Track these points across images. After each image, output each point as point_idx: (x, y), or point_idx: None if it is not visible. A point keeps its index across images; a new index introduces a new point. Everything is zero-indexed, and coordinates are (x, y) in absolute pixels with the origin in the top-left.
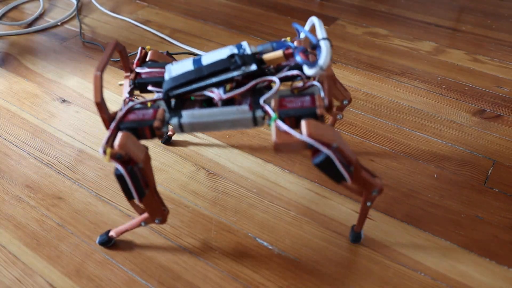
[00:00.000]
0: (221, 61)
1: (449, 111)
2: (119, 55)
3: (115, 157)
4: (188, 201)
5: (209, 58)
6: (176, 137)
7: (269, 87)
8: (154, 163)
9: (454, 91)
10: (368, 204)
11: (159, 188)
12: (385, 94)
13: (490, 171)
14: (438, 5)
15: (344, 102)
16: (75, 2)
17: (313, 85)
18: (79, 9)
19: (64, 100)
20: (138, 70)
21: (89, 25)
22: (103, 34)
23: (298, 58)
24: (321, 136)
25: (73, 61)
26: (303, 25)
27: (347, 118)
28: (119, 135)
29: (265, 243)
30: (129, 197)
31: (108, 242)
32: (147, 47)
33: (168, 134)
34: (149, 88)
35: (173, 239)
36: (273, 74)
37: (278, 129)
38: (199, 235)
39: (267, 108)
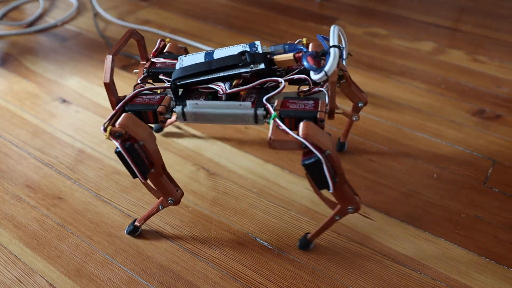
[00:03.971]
0: (231, 56)
1: (449, 111)
2: (137, 44)
3: (114, 134)
4: (188, 201)
5: (221, 53)
6: (175, 137)
7: (277, 87)
8: None
9: (454, 91)
10: (337, 218)
11: None
12: (385, 94)
13: (490, 171)
14: (438, 5)
15: (360, 104)
16: (75, 3)
17: (320, 91)
18: (78, 9)
19: (64, 100)
20: (153, 59)
21: (89, 25)
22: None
23: (305, 62)
24: (316, 140)
25: (73, 61)
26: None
27: (346, 118)
28: (122, 115)
29: (265, 243)
30: (133, 175)
31: (136, 231)
32: (167, 39)
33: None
34: (160, 77)
35: (173, 239)
36: (282, 76)
37: (275, 127)
38: (199, 235)
39: (269, 106)
